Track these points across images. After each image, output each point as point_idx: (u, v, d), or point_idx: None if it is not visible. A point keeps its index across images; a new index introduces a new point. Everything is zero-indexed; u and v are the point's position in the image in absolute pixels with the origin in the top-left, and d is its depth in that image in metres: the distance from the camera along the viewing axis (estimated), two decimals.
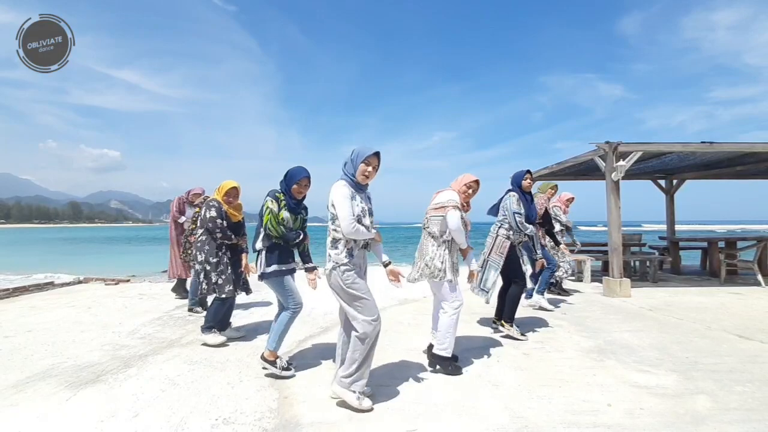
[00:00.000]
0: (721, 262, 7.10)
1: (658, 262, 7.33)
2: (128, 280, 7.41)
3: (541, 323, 4.29)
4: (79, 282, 7.17)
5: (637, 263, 7.82)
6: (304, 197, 2.99)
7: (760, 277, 6.65)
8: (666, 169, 8.67)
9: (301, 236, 2.98)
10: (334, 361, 2.88)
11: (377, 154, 2.35)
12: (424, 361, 3.13)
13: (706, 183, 10.07)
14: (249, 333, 3.99)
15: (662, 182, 9.85)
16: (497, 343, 3.59)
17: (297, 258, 3.14)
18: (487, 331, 3.98)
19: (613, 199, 5.93)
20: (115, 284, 6.96)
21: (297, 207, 2.94)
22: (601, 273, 7.72)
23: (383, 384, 2.71)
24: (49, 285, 6.64)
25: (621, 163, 5.76)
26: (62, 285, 6.80)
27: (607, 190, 6.01)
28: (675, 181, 9.73)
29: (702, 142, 6.07)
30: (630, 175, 9.06)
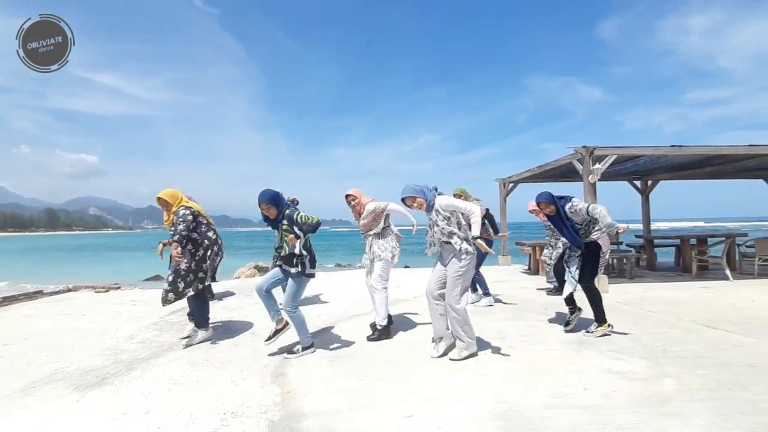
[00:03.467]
0: (692, 258, 7.52)
1: (634, 259, 7.70)
2: (118, 287, 7.41)
3: (525, 319, 4.53)
4: (69, 290, 7.14)
5: (615, 260, 8.19)
6: (274, 217, 3.30)
7: (728, 272, 7.07)
8: (641, 170, 9.12)
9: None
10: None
11: (403, 200, 3.36)
12: (419, 355, 3.33)
13: (679, 183, 10.58)
14: (247, 335, 4.12)
15: (638, 183, 10.35)
16: (485, 337, 3.81)
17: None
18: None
19: (590, 200, 6.25)
20: (105, 291, 6.96)
21: (271, 223, 3.33)
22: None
23: (381, 378, 2.90)
24: (39, 294, 6.62)
25: (597, 166, 6.09)
26: (52, 293, 6.77)
27: (584, 191, 6.34)
28: (650, 182, 10.22)
29: (672, 146, 6.47)
30: (607, 176, 9.48)
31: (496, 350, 3.44)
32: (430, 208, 3.35)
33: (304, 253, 3.24)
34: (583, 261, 3.89)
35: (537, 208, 4.29)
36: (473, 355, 3.30)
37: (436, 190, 3.42)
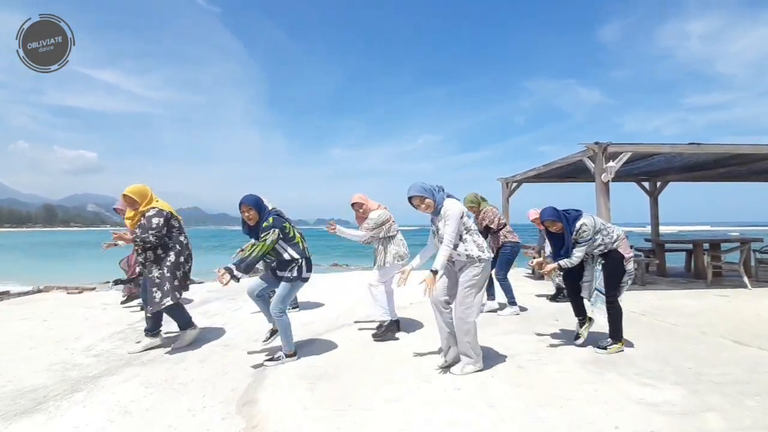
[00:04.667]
0: (707, 264, 7.07)
1: (645, 264, 7.25)
2: (93, 288, 6.91)
3: (534, 331, 4.06)
4: (39, 291, 6.65)
5: None
6: (254, 223, 3.13)
7: (746, 279, 6.62)
8: (651, 171, 8.66)
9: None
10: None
11: (409, 199, 2.96)
12: (412, 375, 2.86)
13: (684, 185, 10.14)
14: (218, 348, 3.64)
15: (646, 184, 9.89)
16: (490, 355, 3.34)
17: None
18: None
19: (602, 201, 5.80)
20: (79, 293, 6.47)
21: (252, 232, 3.17)
22: None
23: (368, 406, 2.43)
24: (5, 294, 6.13)
25: (611, 164, 5.63)
26: (19, 294, 6.28)
27: (596, 191, 5.88)
28: (659, 184, 9.77)
29: (690, 144, 6.01)
30: (615, 176, 9.03)
31: (504, 373, 2.97)
32: (437, 212, 2.92)
33: (296, 257, 3.11)
34: (605, 272, 3.43)
35: (538, 218, 4.18)
36: (479, 370, 2.94)
37: (443, 191, 3.00)
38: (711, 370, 3.01)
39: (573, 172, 8.44)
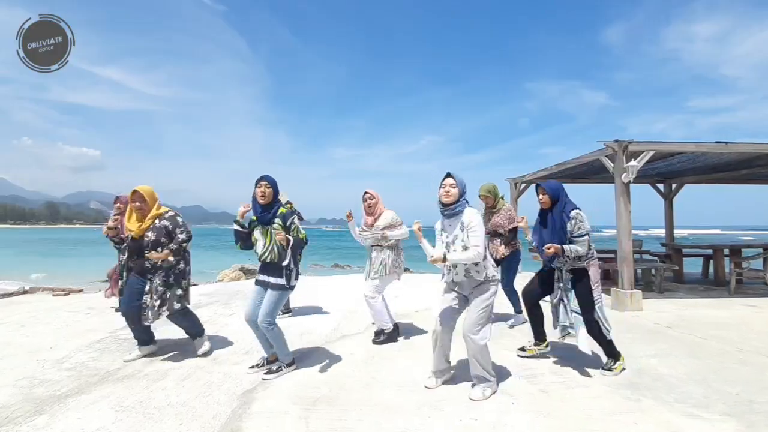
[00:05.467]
0: (730, 271, 6.67)
1: (664, 271, 6.86)
2: (81, 290, 6.57)
3: (554, 347, 3.68)
4: (24, 292, 6.32)
5: (641, 272, 7.34)
6: (269, 203, 2.95)
7: None
8: (667, 172, 8.26)
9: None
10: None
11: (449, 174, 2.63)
12: (416, 399, 2.50)
13: (694, 187, 9.71)
14: (204, 363, 3.29)
15: (660, 186, 9.49)
16: (507, 375, 2.97)
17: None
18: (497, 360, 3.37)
19: (623, 203, 5.41)
20: (65, 295, 6.14)
21: (261, 217, 2.95)
22: (600, 280, 7.19)
23: None
24: None
25: (632, 163, 5.24)
26: (2, 296, 5.95)
27: (616, 193, 5.49)
28: (674, 185, 9.37)
29: (716, 142, 5.62)
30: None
31: (526, 399, 2.59)
32: (453, 213, 2.61)
33: (292, 266, 2.95)
34: (578, 291, 3.05)
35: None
36: (494, 392, 2.64)
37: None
38: (762, 397, 2.63)
39: (586, 172, 8.06)
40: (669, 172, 8.21)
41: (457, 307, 2.75)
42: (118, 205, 4.20)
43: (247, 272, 9.04)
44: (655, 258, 8.54)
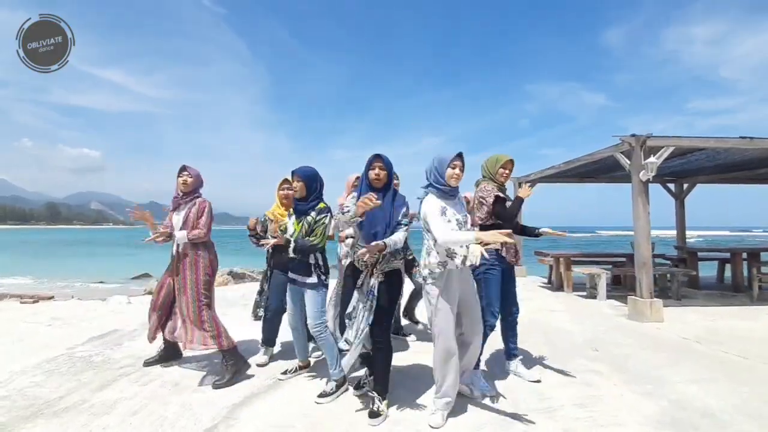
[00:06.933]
0: (753, 276, 6.19)
1: (682, 276, 6.38)
2: (51, 297, 6.08)
3: (574, 370, 3.18)
4: None
5: (657, 277, 6.86)
6: (302, 197, 2.67)
7: None
8: (680, 170, 7.78)
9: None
10: None
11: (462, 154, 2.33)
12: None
13: (700, 187, 9.23)
14: (161, 390, 2.80)
15: (671, 185, 9.02)
16: (521, 405, 2.49)
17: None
18: (506, 387, 2.88)
19: (641, 203, 4.93)
20: (33, 302, 5.65)
21: (297, 207, 2.71)
22: (611, 286, 6.70)
23: None
24: None
25: (651, 159, 4.77)
26: None
27: (633, 193, 5.01)
28: (686, 185, 8.90)
29: (740, 138, 5.15)
30: (625, 177, 8.16)
31: None
32: (456, 193, 2.41)
33: (321, 263, 2.70)
34: (379, 298, 2.35)
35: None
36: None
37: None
38: None
39: (596, 171, 7.59)
40: (683, 170, 7.73)
41: (453, 307, 2.30)
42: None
43: (236, 276, 8.54)
44: (668, 262, 8.06)
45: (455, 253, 2.24)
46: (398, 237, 2.32)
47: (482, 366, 2.93)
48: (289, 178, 2.81)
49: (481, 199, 2.85)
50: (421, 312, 3.85)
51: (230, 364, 2.88)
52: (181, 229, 2.96)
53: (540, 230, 3.02)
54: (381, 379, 2.41)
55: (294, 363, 3.07)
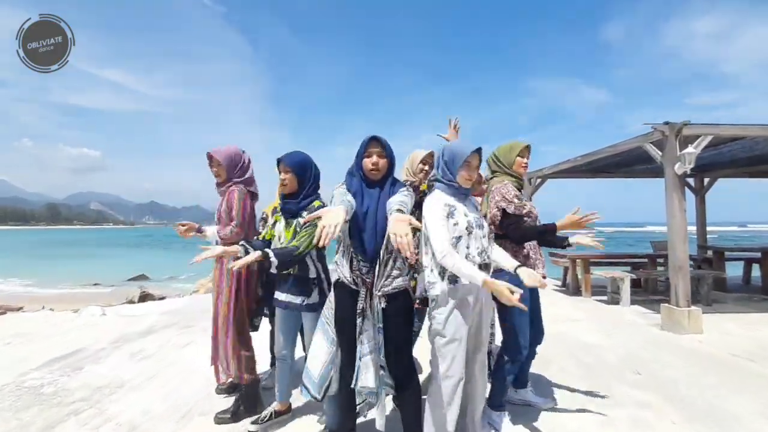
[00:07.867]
0: None
1: (712, 279, 5.84)
2: (20, 308, 5.57)
3: (614, 401, 2.65)
4: None
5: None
6: (293, 193, 2.15)
7: None
8: (707, 163, 7.23)
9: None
10: None
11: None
12: None
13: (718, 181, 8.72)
14: None
15: (691, 180, 8.47)
16: None
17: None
18: (519, 415, 2.35)
19: (676, 200, 4.38)
20: (1, 314, 5.13)
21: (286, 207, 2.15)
22: (631, 290, 6.17)
23: None
24: None
25: (689, 149, 4.22)
26: None
27: (667, 187, 4.46)
28: (706, 180, 8.37)
29: None
30: (649, 172, 7.63)
31: None
32: (467, 192, 1.91)
33: (322, 275, 2.18)
34: (386, 329, 1.83)
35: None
36: None
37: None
38: None
39: (614, 165, 7.05)
40: (708, 163, 7.18)
41: (471, 328, 1.82)
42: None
43: None
44: (691, 263, 7.53)
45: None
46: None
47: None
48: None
49: (502, 207, 2.17)
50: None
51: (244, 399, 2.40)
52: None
53: (571, 240, 2.29)
54: (415, 428, 1.85)
55: (269, 408, 2.33)
